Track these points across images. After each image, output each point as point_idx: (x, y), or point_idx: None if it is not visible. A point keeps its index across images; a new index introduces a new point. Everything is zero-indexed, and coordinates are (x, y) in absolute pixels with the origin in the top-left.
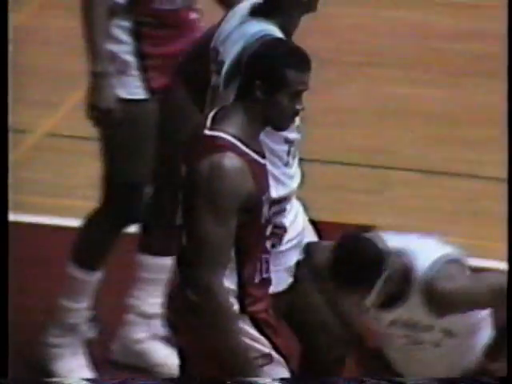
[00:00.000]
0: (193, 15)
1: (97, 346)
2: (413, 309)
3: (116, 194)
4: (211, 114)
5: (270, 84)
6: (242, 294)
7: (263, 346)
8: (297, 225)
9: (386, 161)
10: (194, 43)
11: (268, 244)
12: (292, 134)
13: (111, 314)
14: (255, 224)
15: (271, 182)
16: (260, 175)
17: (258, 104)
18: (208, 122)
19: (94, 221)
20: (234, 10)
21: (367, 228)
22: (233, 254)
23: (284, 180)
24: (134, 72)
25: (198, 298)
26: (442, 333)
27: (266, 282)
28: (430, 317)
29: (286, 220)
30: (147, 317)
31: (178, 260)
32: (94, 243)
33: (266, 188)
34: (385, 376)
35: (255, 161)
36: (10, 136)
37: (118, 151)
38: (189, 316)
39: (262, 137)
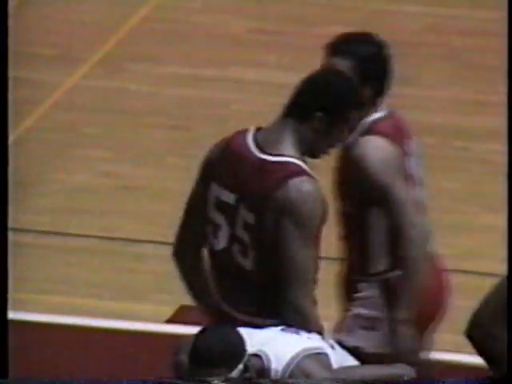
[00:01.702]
0: None
1: None
2: None
3: None
4: (250, 137)
5: (332, 119)
6: None
7: None
8: None
9: None
10: None
11: None
12: None
13: None
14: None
15: None
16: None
17: (312, 132)
18: (252, 145)
19: None
20: None
21: None
22: None
23: None
24: None
25: (291, 319)
26: None
27: None
28: None
29: None
30: None
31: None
32: None
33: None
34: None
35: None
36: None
37: None
38: None
39: None
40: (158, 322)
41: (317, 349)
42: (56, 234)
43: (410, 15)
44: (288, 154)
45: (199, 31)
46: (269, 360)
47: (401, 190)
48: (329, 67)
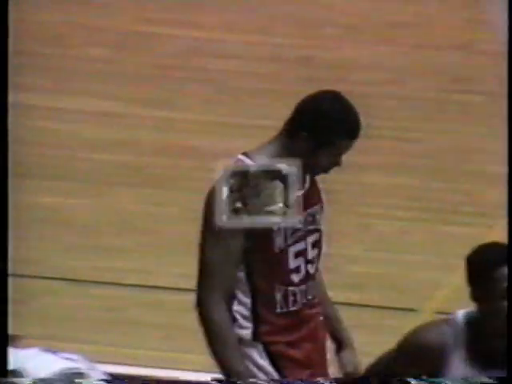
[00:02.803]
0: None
1: None
2: None
3: None
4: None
5: (315, 142)
6: (256, 321)
7: (265, 375)
8: None
9: (31, 270)
10: None
11: (295, 277)
12: None
13: None
14: (266, 252)
15: None
16: None
17: (299, 150)
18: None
19: None
20: None
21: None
22: (243, 277)
23: None
24: None
25: (197, 315)
26: None
27: (294, 314)
28: None
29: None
30: None
31: None
32: None
33: None
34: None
35: None
36: None
37: None
38: None
39: None
40: None
41: (74, 369)
42: None
43: (172, 38)
44: (250, 155)
45: None
46: (27, 377)
47: None
48: (332, 91)
